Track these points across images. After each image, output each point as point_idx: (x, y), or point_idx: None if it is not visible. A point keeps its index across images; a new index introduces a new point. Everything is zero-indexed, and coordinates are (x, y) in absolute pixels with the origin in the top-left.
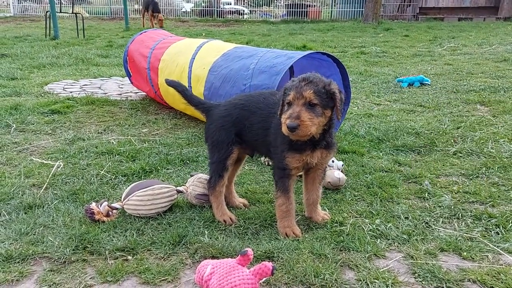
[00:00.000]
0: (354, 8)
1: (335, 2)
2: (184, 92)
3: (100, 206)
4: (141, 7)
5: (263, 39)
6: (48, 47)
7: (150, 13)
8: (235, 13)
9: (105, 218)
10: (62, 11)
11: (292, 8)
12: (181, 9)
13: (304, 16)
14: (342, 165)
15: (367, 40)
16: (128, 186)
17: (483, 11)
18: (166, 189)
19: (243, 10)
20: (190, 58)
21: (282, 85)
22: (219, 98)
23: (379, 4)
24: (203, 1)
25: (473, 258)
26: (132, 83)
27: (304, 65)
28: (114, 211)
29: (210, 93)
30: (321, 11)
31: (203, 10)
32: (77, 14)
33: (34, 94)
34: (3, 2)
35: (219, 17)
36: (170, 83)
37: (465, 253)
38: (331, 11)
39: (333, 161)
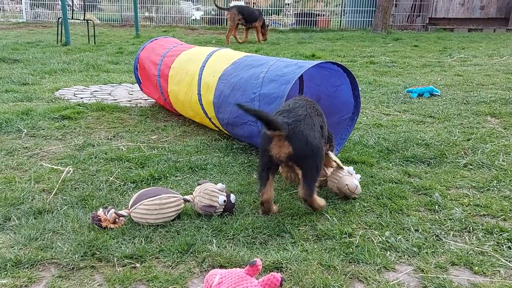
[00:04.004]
0: (363, 18)
1: (344, 12)
2: (267, 117)
3: (107, 213)
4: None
5: (272, 48)
6: (60, 53)
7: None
8: None
9: (112, 225)
10: (74, 17)
11: (301, 17)
12: (191, 17)
13: (313, 25)
14: (360, 178)
15: (376, 50)
16: (136, 193)
17: (493, 22)
18: (173, 199)
19: None
20: (200, 66)
21: (292, 94)
22: (228, 106)
23: (389, 14)
24: (212, 9)
25: (485, 273)
26: (141, 90)
27: (313, 75)
28: (121, 218)
29: (220, 101)
30: (330, 20)
31: (212, 18)
32: (89, 21)
33: (45, 100)
34: (16, 8)
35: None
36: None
37: (476, 268)
38: (340, 20)
39: (350, 173)
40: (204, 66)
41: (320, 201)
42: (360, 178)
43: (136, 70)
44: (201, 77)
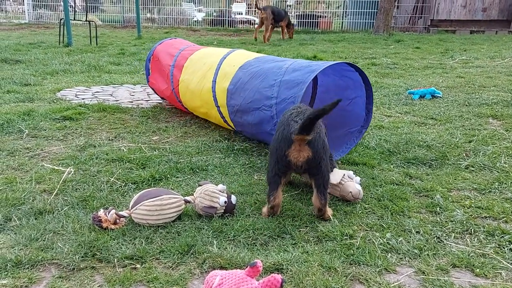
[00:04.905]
0: (365, 20)
1: (346, 13)
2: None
3: (108, 214)
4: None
5: (273, 49)
6: (62, 54)
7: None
8: (246, 23)
9: (112, 226)
10: (76, 18)
11: (303, 19)
12: (193, 18)
13: (314, 27)
14: (360, 181)
15: (378, 52)
16: (137, 194)
17: (495, 24)
18: (174, 200)
19: (254, 20)
20: (221, 58)
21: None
22: (243, 92)
23: (390, 16)
24: (214, 11)
25: (486, 275)
26: (148, 81)
27: (329, 87)
28: (122, 218)
29: (235, 87)
30: (332, 22)
31: (214, 19)
32: (91, 22)
33: (46, 100)
34: (18, 9)
35: (230, 27)
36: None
37: (477, 270)
38: (342, 22)
39: (350, 177)
40: (225, 58)
41: (329, 210)
42: (361, 180)
43: (148, 62)
44: (220, 67)
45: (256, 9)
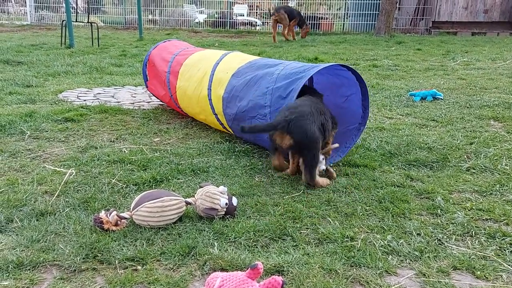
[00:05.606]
0: (367, 21)
1: (347, 15)
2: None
3: (109, 215)
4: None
5: (275, 51)
6: (63, 55)
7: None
8: (247, 25)
9: (114, 228)
10: (77, 20)
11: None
12: (194, 20)
13: (316, 29)
14: (324, 171)
15: (379, 53)
16: (138, 195)
17: (497, 26)
18: (175, 201)
19: (256, 22)
20: (214, 63)
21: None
22: (238, 101)
23: (392, 18)
24: (216, 12)
25: (487, 278)
26: (147, 87)
27: (324, 83)
28: (123, 220)
29: (230, 95)
30: (333, 23)
31: (216, 21)
32: (92, 24)
33: (48, 102)
34: (20, 11)
35: (232, 28)
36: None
37: (478, 272)
38: (343, 24)
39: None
40: (218, 63)
41: (323, 181)
42: (324, 171)
43: (145, 67)
44: (214, 73)
45: (269, 13)
